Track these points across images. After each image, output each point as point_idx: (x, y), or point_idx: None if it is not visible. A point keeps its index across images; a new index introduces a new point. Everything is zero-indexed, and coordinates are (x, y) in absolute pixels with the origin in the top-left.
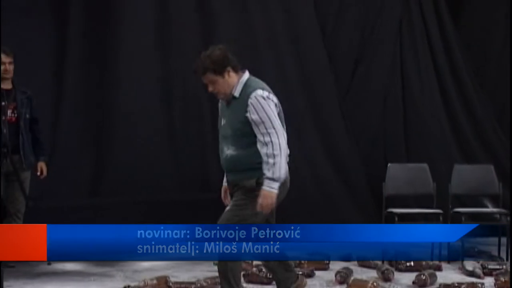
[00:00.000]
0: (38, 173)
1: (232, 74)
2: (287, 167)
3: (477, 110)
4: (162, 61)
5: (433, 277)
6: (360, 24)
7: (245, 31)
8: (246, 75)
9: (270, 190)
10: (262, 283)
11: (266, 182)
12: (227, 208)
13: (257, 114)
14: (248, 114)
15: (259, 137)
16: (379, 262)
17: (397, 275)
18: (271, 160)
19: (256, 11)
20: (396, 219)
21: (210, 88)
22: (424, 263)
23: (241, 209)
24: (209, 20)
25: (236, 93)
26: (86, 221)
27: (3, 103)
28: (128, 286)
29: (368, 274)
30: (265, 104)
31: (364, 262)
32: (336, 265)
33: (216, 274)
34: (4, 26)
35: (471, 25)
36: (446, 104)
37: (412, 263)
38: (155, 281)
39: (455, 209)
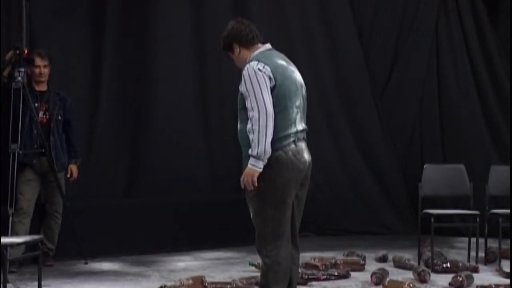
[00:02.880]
0: (68, 175)
1: (242, 49)
2: (295, 146)
3: None
4: (199, 62)
5: (470, 278)
6: (397, 24)
7: (282, 32)
8: (261, 48)
9: (251, 167)
10: (297, 283)
11: (250, 158)
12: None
13: (245, 86)
14: (240, 86)
15: (248, 111)
16: (415, 263)
17: (434, 277)
18: (250, 136)
19: (293, 12)
20: (432, 220)
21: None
22: (460, 264)
23: (255, 192)
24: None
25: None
26: (122, 222)
27: (36, 105)
28: (164, 286)
29: (404, 275)
30: (253, 76)
31: (400, 263)
32: (372, 266)
33: (252, 274)
34: (41, 29)
35: (508, 24)
36: (482, 104)
37: (448, 265)
38: (190, 281)
39: (492, 210)
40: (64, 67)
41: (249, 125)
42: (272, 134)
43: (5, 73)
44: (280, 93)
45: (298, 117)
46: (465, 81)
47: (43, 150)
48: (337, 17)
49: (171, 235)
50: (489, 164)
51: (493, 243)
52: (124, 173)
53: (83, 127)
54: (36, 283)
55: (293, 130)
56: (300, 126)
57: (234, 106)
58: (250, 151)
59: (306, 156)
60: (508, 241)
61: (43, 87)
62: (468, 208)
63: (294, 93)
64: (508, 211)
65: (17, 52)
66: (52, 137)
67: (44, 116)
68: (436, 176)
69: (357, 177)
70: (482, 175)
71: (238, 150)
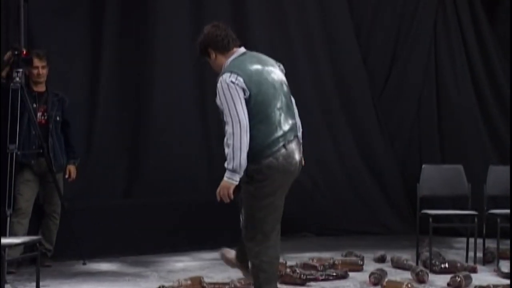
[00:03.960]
0: (66, 176)
1: (218, 55)
2: (285, 151)
3: None
4: (198, 62)
5: (468, 279)
6: (395, 25)
7: (280, 31)
8: (235, 54)
9: (227, 180)
10: (295, 284)
11: (226, 171)
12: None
13: (219, 99)
14: (216, 100)
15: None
16: (414, 264)
17: (432, 277)
18: (226, 150)
19: (292, 11)
20: (431, 220)
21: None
22: (459, 265)
23: (246, 206)
24: (245, 20)
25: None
26: (120, 222)
27: (34, 105)
28: (163, 287)
29: (402, 276)
30: (226, 89)
31: (398, 264)
32: (370, 266)
33: None
34: (40, 29)
35: (507, 24)
36: (481, 104)
37: (447, 265)
38: (189, 282)
39: (490, 210)
40: (63, 67)
41: (225, 139)
42: (248, 146)
43: (3, 73)
44: (258, 101)
45: (282, 118)
46: (464, 81)
47: (41, 151)
48: (336, 17)
49: (170, 235)
50: (487, 164)
51: (491, 243)
52: (123, 174)
53: (82, 127)
54: (34, 284)
55: (280, 133)
56: (287, 125)
57: None
58: (226, 164)
59: (297, 156)
60: (506, 241)
61: (41, 88)
62: (466, 209)
63: (273, 96)
64: (506, 211)
65: (16, 52)
66: (51, 138)
67: (43, 117)
68: (434, 176)
69: (356, 177)
70: (480, 175)
71: None
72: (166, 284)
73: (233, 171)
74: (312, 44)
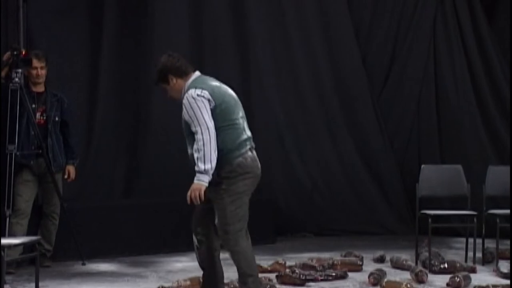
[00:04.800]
0: (66, 176)
1: (177, 80)
2: (252, 153)
3: None
4: (197, 63)
5: (468, 279)
6: (394, 25)
7: (279, 32)
8: (193, 76)
9: (198, 182)
10: (295, 284)
11: (196, 175)
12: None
13: (188, 113)
14: (183, 114)
15: (194, 135)
16: (413, 264)
17: (431, 277)
18: (195, 155)
19: (290, 12)
20: (430, 220)
21: (167, 95)
22: (458, 265)
23: (219, 206)
24: (243, 20)
25: (183, 96)
26: (120, 222)
27: (33, 106)
28: (162, 287)
29: (402, 276)
30: (193, 102)
31: (397, 264)
32: (370, 267)
33: None
34: (39, 29)
35: (506, 24)
36: (480, 104)
37: (446, 265)
38: (188, 282)
39: (489, 210)
40: (62, 67)
41: (195, 146)
42: (216, 150)
43: (3, 74)
44: (223, 110)
45: (245, 125)
46: (463, 81)
47: (40, 151)
48: (335, 18)
49: (169, 235)
50: (486, 165)
51: (490, 244)
52: (122, 174)
53: (81, 127)
54: (33, 284)
55: (245, 137)
56: (249, 132)
57: None
58: (196, 168)
59: (259, 163)
60: (506, 242)
61: (40, 88)
62: (466, 209)
63: (235, 106)
64: (506, 211)
65: (15, 53)
66: (50, 138)
67: (42, 117)
68: (433, 176)
69: (355, 177)
70: (480, 176)
71: None
72: (166, 285)
73: (204, 172)
74: (312, 44)
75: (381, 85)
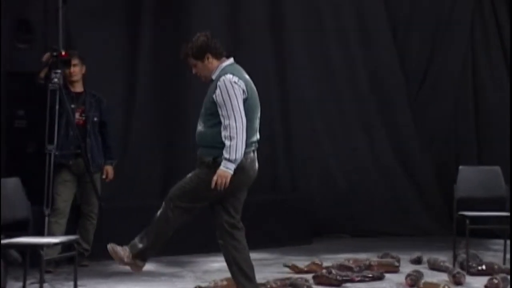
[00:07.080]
0: (104, 176)
1: (212, 59)
2: (253, 155)
3: None
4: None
5: (506, 281)
6: (432, 25)
7: (317, 33)
8: (228, 62)
9: (225, 170)
10: (331, 285)
11: (223, 162)
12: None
13: (222, 96)
14: (214, 95)
15: (222, 119)
16: (450, 265)
17: (469, 279)
18: (227, 142)
19: (328, 13)
20: (468, 222)
21: (193, 71)
22: (496, 267)
23: (196, 181)
24: (281, 21)
25: (214, 76)
26: None
27: (72, 106)
28: (199, 287)
29: (439, 277)
30: (231, 88)
31: (435, 265)
32: (406, 268)
33: (286, 275)
34: (77, 30)
35: None
36: None
37: (484, 267)
38: (225, 282)
39: None
40: (100, 68)
41: (225, 132)
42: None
43: (42, 74)
44: (250, 105)
45: (257, 127)
46: (501, 82)
47: (79, 151)
48: (372, 17)
49: (206, 235)
50: None
51: None
52: (160, 174)
53: (119, 128)
54: (71, 283)
55: (255, 139)
56: (258, 135)
57: (267, 107)
58: (226, 155)
59: (256, 166)
60: None
61: (79, 89)
62: (504, 210)
63: (256, 106)
64: None
65: (54, 54)
66: (88, 138)
67: (81, 118)
68: (471, 177)
69: (392, 179)
70: None
71: (273, 151)
72: (202, 285)
73: (233, 161)
74: (348, 45)
75: (418, 86)
